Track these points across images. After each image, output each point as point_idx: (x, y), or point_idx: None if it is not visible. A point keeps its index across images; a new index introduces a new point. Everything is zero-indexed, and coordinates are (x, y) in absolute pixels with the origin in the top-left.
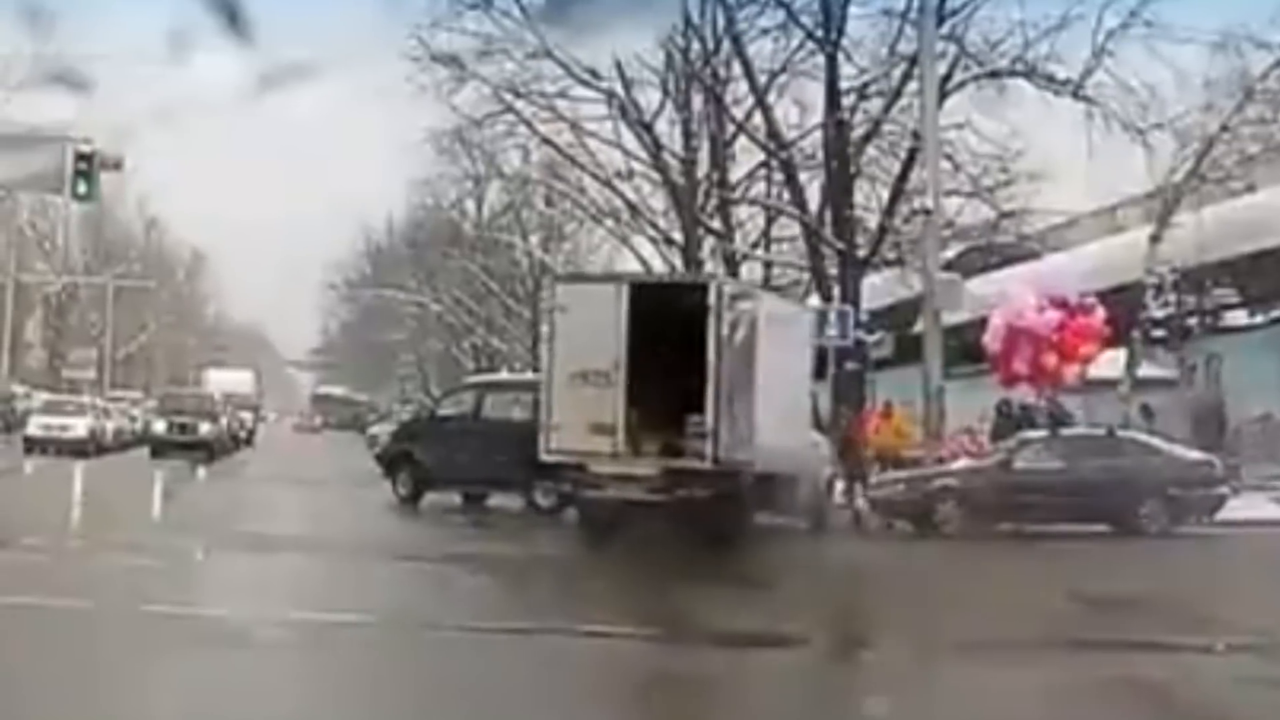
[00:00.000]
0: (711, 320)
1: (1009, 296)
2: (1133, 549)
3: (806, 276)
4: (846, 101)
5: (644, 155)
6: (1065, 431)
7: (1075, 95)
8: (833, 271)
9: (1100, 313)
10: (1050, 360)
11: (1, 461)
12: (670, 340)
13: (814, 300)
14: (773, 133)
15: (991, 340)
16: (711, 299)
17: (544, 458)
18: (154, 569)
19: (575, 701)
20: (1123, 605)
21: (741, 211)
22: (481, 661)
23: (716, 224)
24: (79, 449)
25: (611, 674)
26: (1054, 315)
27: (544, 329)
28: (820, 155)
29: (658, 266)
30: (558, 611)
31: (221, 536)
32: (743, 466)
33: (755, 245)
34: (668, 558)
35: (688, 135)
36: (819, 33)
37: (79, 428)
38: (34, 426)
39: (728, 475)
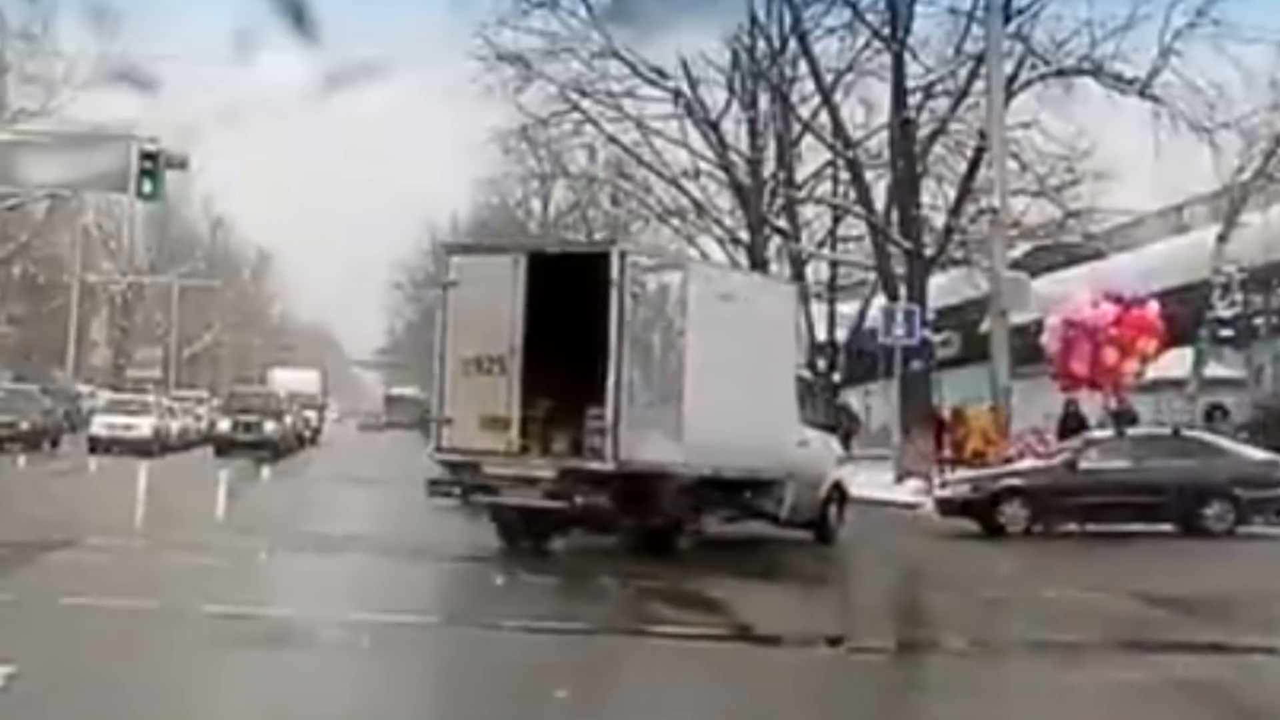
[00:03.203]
0: (614, 295)
1: (1072, 296)
2: (1198, 549)
3: (873, 276)
4: (913, 100)
5: (710, 154)
6: (1130, 431)
7: (1142, 94)
8: (899, 271)
9: (1154, 305)
10: (1110, 356)
11: (66, 461)
12: (574, 319)
13: (880, 299)
14: (839, 132)
15: (1050, 340)
16: (614, 271)
17: (436, 457)
18: (217, 568)
19: (638, 701)
20: (1188, 606)
21: (808, 211)
22: (545, 662)
23: (782, 223)
24: (143, 448)
25: (677, 673)
26: (1109, 309)
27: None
28: (886, 154)
29: None
30: (622, 611)
31: (285, 536)
32: (659, 468)
33: (821, 244)
34: (721, 556)
35: (754, 134)
36: (885, 31)
37: (143, 427)
38: (98, 426)
39: (636, 477)
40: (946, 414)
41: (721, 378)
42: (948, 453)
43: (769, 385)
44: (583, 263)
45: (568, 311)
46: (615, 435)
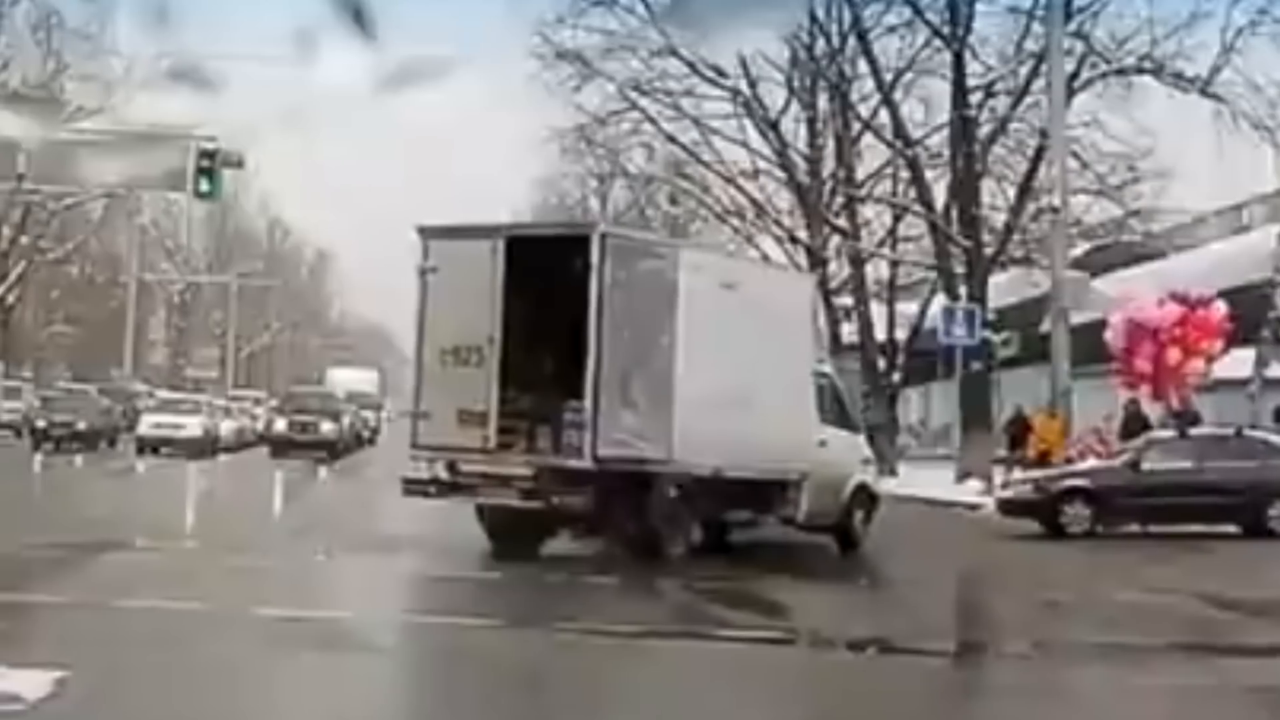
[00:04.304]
0: (594, 281)
1: (1133, 295)
2: (1263, 551)
3: (933, 275)
4: (973, 99)
5: (769, 153)
6: (1193, 432)
7: (1203, 93)
8: (959, 270)
9: (1220, 306)
10: (1174, 356)
11: (122, 461)
12: (558, 307)
13: (940, 299)
14: (899, 130)
15: (1114, 338)
16: (593, 255)
17: (412, 454)
18: (271, 570)
19: (701, 705)
20: (1254, 608)
21: (867, 210)
22: (608, 665)
23: (842, 222)
24: (193, 449)
25: (739, 676)
26: (1174, 309)
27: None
28: (946, 153)
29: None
30: (682, 613)
31: (341, 537)
32: (644, 466)
33: (881, 244)
34: (773, 558)
35: (813, 133)
36: (945, 30)
37: (193, 426)
38: (146, 426)
39: (617, 476)
40: (1030, 412)
41: (721, 371)
42: (1031, 453)
43: (780, 380)
44: (565, 246)
45: (552, 298)
46: (594, 431)
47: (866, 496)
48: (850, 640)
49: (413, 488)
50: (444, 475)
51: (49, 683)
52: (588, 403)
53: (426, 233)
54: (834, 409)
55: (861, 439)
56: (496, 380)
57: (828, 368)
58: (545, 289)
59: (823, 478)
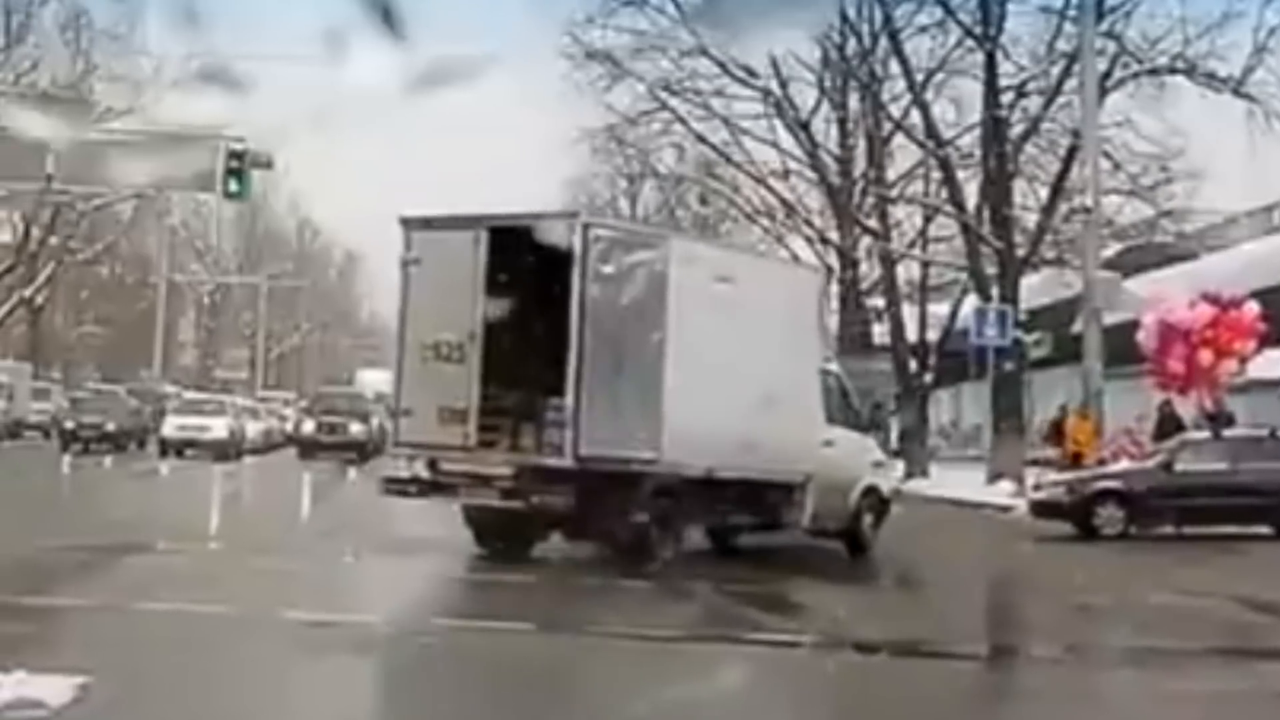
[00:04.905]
0: (575, 273)
1: (1165, 296)
2: None
3: (964, 276)
4: (1005, 99)
5: (800, 154)
6: (1227, 433)
7: (1236, 93)
8: (991, 271)
9: (1252, 307)
10: (1206, 357)
11: (149, 463)
12: (543, 300)
13: (971, 299)
14: (930, 131)
15: (1147, 339)
16: (576, 247)
17: (392, 452)
18: (297, 572)
19: (730, 710)
20: None
21: (898, 210)
22: (639, 669)
23: (873, 223)
24: (219, 450)
25: (770, 680)
26: (1205, 310)
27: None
28: (978, 154)
29: None
30: (714, 616)
31: (366, 539)
32: (630, 466)
33: (912, 244)
34: (794, 560)
35: (844, 134)
36: (977, 30)
37: (218, 428)
38: (169, 427)
39: (600, 476)
40: (1070, 413)
41: (716, 368)
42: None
43: (781, 378)
44: (545, 237)
45: (537, 291)
46: (576, 429)
47: (876, 499)
48: (881, 643)
49: (392, 486)
50: (424, 474)
51: (72, 688)
52: (569, 400)
53: (409, 224)
54: (842, 409)
55: (872, 440)
56: (478, 377)
57: (835, 366)
58: (530, 281)
59: (829, 480)
